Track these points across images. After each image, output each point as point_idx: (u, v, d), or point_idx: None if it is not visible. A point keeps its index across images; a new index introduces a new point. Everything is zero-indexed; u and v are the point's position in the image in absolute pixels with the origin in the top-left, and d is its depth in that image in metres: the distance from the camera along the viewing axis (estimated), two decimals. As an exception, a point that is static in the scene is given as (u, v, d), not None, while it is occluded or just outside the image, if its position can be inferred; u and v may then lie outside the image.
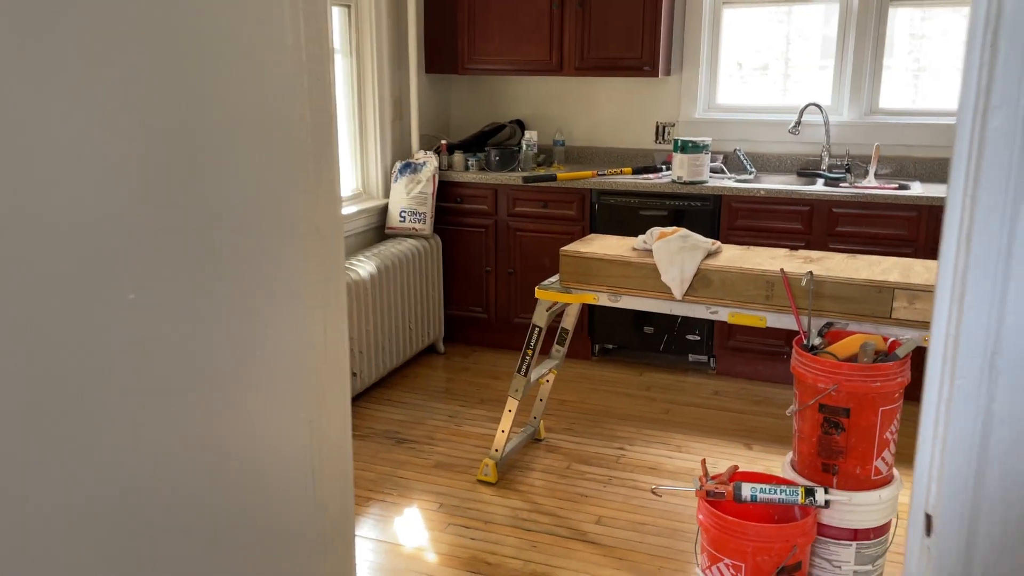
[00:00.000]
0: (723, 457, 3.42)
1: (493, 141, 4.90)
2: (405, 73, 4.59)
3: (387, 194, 4.45)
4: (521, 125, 4.97)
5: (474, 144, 4.79)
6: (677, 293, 2.77)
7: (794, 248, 2.95)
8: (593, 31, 4.38)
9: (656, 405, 3.94)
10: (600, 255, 2.92)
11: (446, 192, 4.53)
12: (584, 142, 4.91)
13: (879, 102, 4.34)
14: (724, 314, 2.76)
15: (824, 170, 4.32)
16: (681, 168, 4.06)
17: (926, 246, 3.75)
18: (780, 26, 4.46)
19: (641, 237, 2.97)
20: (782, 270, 2.62)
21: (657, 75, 4.34)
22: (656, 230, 2.93)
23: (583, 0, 4.36)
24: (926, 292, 2.49)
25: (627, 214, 4.22)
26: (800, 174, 4.35)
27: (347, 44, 4.26)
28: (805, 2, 4.38)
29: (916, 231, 3.76)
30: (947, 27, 4.18)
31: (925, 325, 2.50)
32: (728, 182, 4.13)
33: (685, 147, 4.02)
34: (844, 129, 4.35)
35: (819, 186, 4.02)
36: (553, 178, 4.26)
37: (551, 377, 3.44)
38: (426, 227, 4.36)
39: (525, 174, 4.38)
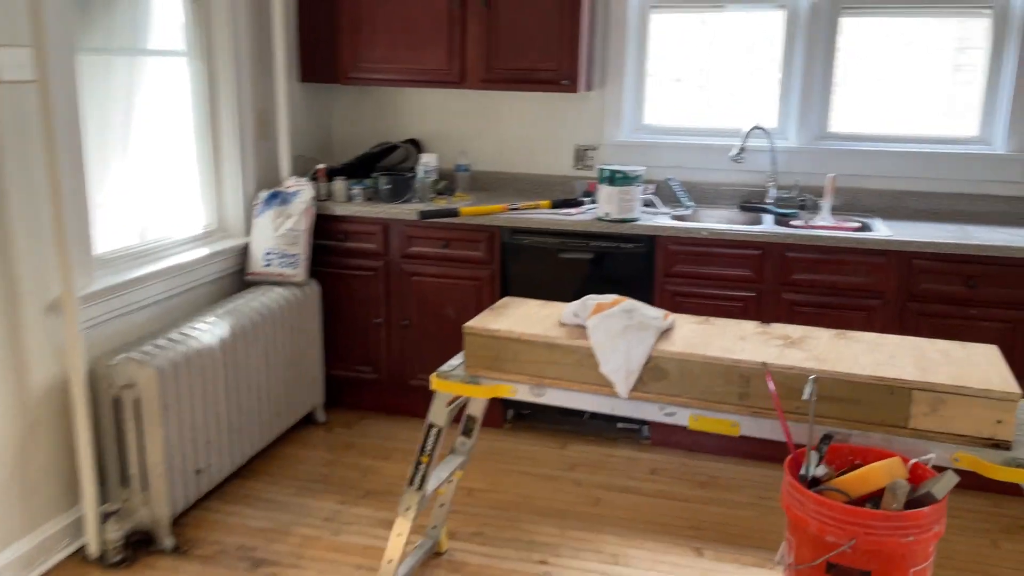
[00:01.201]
0: (669, 570, 2.73)
1: (383, 165, 4.11)
2: (272, 82, 3.75)
3: (249, 231, 3.61)
4: (417, 146, 4.19)
5: (360, 168, 3.99)
6: (622, 389, 2.06)
7: (765, 323, 2.29)
8: (501, 37, 3.66)
9: (583, 492, 3.23)
10: (518, 335, 2.18)
11: (325, 228, 3.71)
12: (492, 166, 4.17)
13: (829, 125, 3.77)
14: (683, 416, 2.07)
15: (771, 204, 3.72)
16: (609, 203, 3.38)
17: (896, 298, 3.18)
18: (715, 36, 3.84)
19: (571, 307, 2.25)
20: (765, 365, 1.95)
21: (576, 90, 3.64)
22: (591, 300, 2.21)
23: (489, 1, 3.64)
24: (955, 395, 1.86)
25: (545, 256, 3.51)
26: (744, 208, 3.74)
27: (195, 45, 3.40)
28: (744, 7, 3.77)
29: (885, 280, 3.18)
30: (909, 39, 3.65)
31: (955, 439, 1.87)
32: (663, 219, 3.47)
33: (614, 178, 3.34)
34: (792, 156, 3.77)
35: (769, 225, 3.41)
36: (455, 213, 3.50)
37: (456, 478, 2.68)
38: (299, 272, 3.54)
39: (423, 207, 3.61)
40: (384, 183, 3.71)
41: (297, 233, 3.53)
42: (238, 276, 3.58)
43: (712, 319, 2.32)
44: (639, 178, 3.36)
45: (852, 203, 3.71)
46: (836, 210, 3.64)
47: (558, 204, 3.59)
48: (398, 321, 3.75)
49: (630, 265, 3.42)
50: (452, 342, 3.70)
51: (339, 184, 3.75)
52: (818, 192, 3.73)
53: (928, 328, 3.17)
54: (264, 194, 3.57)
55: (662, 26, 3.89)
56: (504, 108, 4.09)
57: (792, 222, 3.49)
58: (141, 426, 2.69)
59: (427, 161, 3.82)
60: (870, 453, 1.91)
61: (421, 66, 3.76)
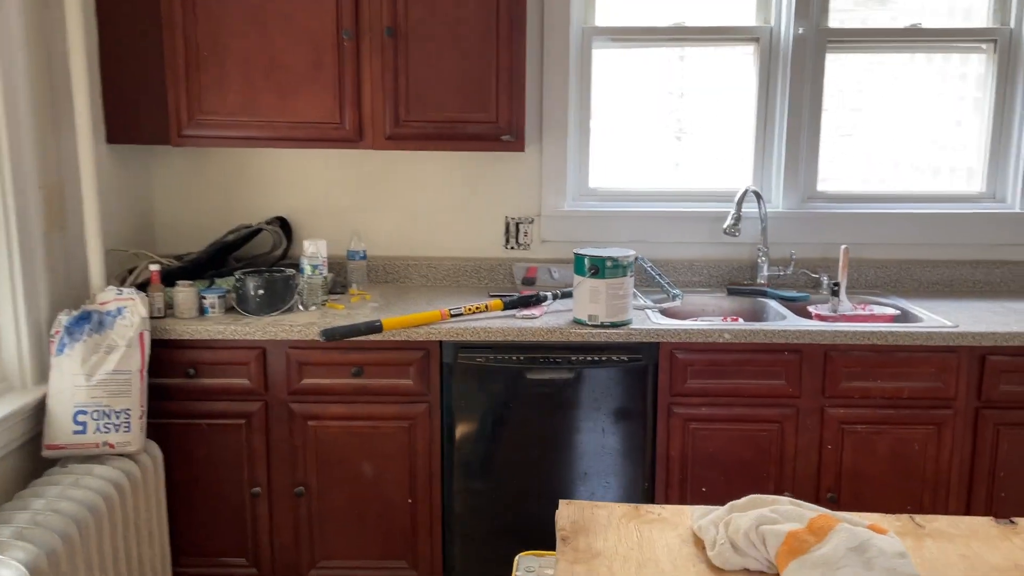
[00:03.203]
0: None
1: (242, 258, 2.93)
2: (70, 144, 2.48)
3: (44, 378, 2.30)
4: (286, 227, 3.04)
5: (210, 266, 2.78)
6: None
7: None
8: (414, 78, 2.64)
9: None
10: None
11: (166, 359, 2.47)
12: (394, 250, 3.10)
13: (816, 184, 3.08)
14: None
15: (764, 284, 2.95)
16: (595, 301, 2.43)
17: (966, 405, 2.47)
18: (672, 76, 3.06)
19: (724, 531, 1.26)
20: None
21: (523, 147, 2.70)
22: (755, 521, 1.23)
23: (394, 29, 2.61)
24: None
25: (505, 379, 2.49)
26: (733, 292, 2.94)
27: (-64, 89, 2.10)
28: (707, 42, 3.02)
29: (955, 383, 2.47)
30: (899, 79, 3.04)
31: None
32: (658, 317, 2.57)
33: (602, 268, 2.40)
34: (778, 223, 3.03)
35: (804, 320, 2.61)
36: (376, 328, 2.41)
37: None
38: (132, 438, 2.27)
39: (319, 319, 2.48)
40: (254, 286, 2.54)
41: (126, 376, 2.27)
42: (29, 453, 2.25)
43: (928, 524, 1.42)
44: (631, 266, 2.45)
45: (853, 278, 3.03)
46: (852, 292, 2.92)
47: (512, 304, 2.59)
48: (287, 489, 2.56)
49: (625, 385, 2.48)
50: (371, 515, 2.56)
51: (183, 292, 2.53)
52: (811, 266, 3.01)
53: (1008, 441, 2.48)
54: (66, 317, 2.28)
55: (607, 66, 3.05)
56: (407, 173, 3.05)
57: (812, 310, 2.71)
58: None
59: (313, 251, 2.69)
60: None
61: (295, 118, 2.66)
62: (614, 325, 2.44)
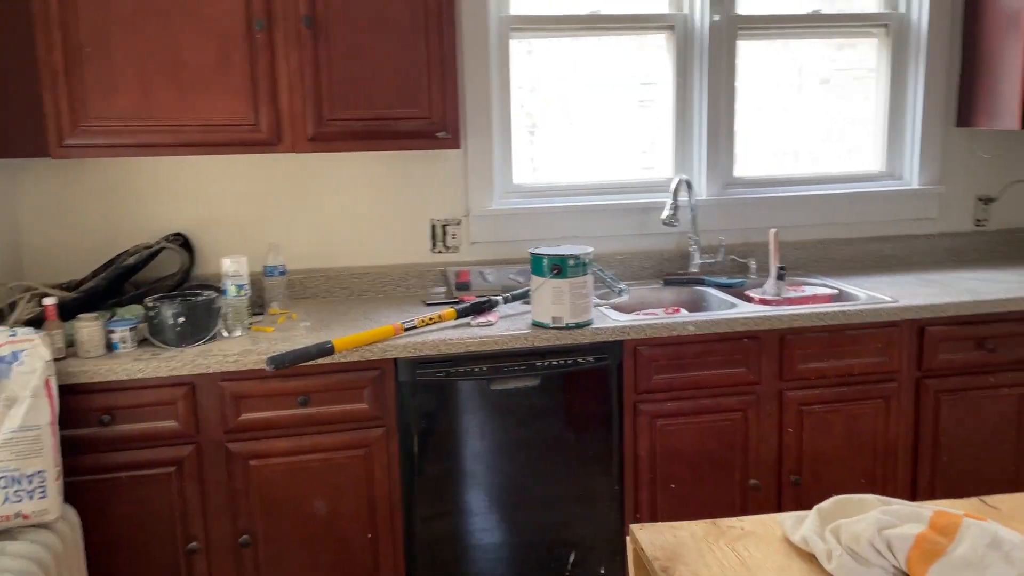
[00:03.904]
0: None
1: (144, 283, 2.58)
2: (-69, 161, 2.06)
3: (-72, 446, 1.89)
4: (187, 246, 2.71)
5: (110, 293, 2.42)
6: None
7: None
8: (337, 72, 2.41)
9: None
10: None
11: (74, 407, 2.11)
12: (313, 263, 2.84)
13: (733, 171, 3.12)
14: None
15: (699, 273, 2.94)
16: (558, 303, 2.31)
17: (909, 378, 2.57)
18: (589, 66, 2.99)
19: (832, 547, 1.18)
20: None
21: (459, 144, 2.53)
22: (874, 525, 1.16)
23: (313, 18, 2.36)
24: None
25: (467, 394, 2.32)
26: (670, 282, 2.91)
27: None
28: (622, 32, 2.97)
29: (898, 357, 2.55)
30: (800, 66, 3.13)
31: None
32: (615, 314, 2.49)
33: (564, 267, 2.28)
34: (705, 210, 3.03)
35: (747, 307, 2.61)
36: (329, 350, 2.16)
37: None
38: (48, 505, 1.92)
39: (275, 353, 2.20)
40: (172, 314, 2.22)
41: (35, 432, 1.92)
42: (-84, 539, 1.84)
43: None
44: (592, 263, 2.35)
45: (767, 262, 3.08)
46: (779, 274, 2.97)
47: (465, 312, 2.42)
48: (229, 540, 2.26)
49: (592, 386, 2.38)
50: (327, 557, 2.32)
51: (88, 327, 2.17)
52: (737, 251, 3.04)
53: (948, 406, 2.60)
54: (-51, 370, 1.89)
55: (524, 56, 2.93)
56: (324, 177, 2.80)
57: (753, 294, 2.73)
58: None
59: (236, 269, 2.39)
60: None
61: (202, 121, 2.36)
62: (579, 326, 2.33)
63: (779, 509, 2.56)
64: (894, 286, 2.76)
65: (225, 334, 2.35)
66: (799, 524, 1.27)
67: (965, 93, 3.10)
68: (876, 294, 2.65)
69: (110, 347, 2.21)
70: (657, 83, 3.01)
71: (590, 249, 2.35)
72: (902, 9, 3.10)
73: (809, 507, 2.51)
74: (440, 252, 2.90)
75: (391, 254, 2.87)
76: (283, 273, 2.65)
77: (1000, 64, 2.90)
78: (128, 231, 2.69)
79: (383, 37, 2.41)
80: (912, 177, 3.18)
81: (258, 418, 2.23)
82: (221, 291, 2.36)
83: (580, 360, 2.36)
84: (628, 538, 1.34)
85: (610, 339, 2.35)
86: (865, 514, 1.20)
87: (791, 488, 2.54)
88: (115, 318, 2.31)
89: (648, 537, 1.29)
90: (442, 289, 2.87)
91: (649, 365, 2.41)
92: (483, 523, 2.38)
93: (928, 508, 1.19)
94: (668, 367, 2.42)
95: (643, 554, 1.26)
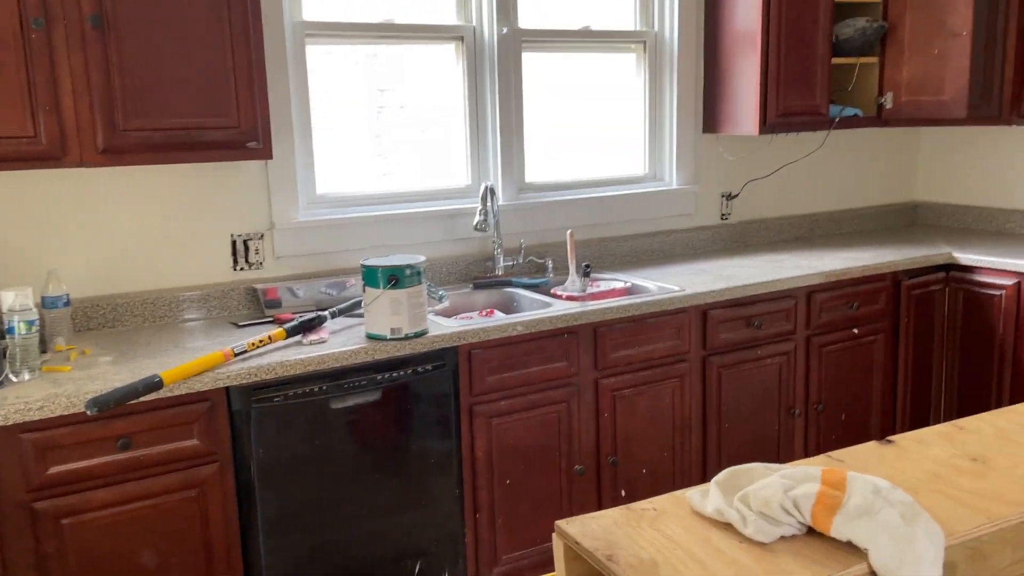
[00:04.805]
0: None
1: None
2: None
3: None
4: (-61, 277, 2.30)
5: None
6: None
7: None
8: (131, 78, 2.18)
9: None
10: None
11: None
12: (98, 290, 2.54)
13: (525, 176, 3.28)
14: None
15: (504, 276, 3.06)
16: (396, 313, 2.29)
17: (696, 357, 2.89)
18: (379, 74, 2.98)
19: (745, 513, 1.33)
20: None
21: (271, 154, 2.41)
22: (781, 488, 1.33)
23: (101, 17, 2.12)
24: None
25: (307, 416, 2.22)
26: (480, 285, 3.00)
27: None
28: (414, 41, 3.00)
29: (688, 340, 2.86)
30: (574, 77, 3.37)
31: None
32: (444, 320, 2.52)
33: (401, 277, 2.27)
34: (503, 215, 3.16)
35: (562, 305, 2.76)
36: (158, 385, 1.96)
37: None
38: None
39: (96, 395, 1.94)
40: (-53, 362, 1.89)
41: None
42: None
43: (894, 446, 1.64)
44: (425, 271, 2.36)
45: (565, 259, 3.30)
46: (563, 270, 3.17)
47: (294, 330, 2.32)
48: (41, 611, 1.97)
49: (430, 394, 2.40)
50: (164, 606, 2.11)
51: None
52: (534, 252, 3.21)
53: (728, 380, 2.96)
54: None
55: (321, 64, 2.85)
56: (109, 193, 2.51)
57: (560, 292, 2.90)
58: None
59: (22, 303, 2.07)
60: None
61: (-38, 133, 2.02)
62: (417, 335, 2.34)
63: (600, 491, 2.75)
64: (674, 276, 3.08)
65: (13, 379, 2.03)
66: (705, 497, 1.40)
67: (710, 103, 3.52)
68: (665, 284, 2.94)
69: None
70: (451, 93, 3.08)
71: (422, 257, 2.36)
72: (656, 28, 3.45)
73: (626, 485, 2.74)
74: (243, 269, 2.73)
75: (188, 275, 2.65)
76: (67, 304, 2.34)
77: (740, 78, 3.34)
78: None
79: (183, 40, 2.23)
80: (672, 178, 3.56)
81: (70, 470, 1.96)
82: (6, 329, 2.04)
83: (419, 369, 2.37)
84: (554, 535, 1.39)
85: (446, 345, 2.38)
86: (767, 479, 1.36)
87: (610, 468, 2.75)
88: None
89: (578, 531, 1.36)
90: (247, 310, 2.70)
91: (483, 367, 2.47)
92: (330, 545, 2.30)
93: (814, 469, 1.39)
94: (499, 367, 2.50)
95: (580, 547, 1.32)
